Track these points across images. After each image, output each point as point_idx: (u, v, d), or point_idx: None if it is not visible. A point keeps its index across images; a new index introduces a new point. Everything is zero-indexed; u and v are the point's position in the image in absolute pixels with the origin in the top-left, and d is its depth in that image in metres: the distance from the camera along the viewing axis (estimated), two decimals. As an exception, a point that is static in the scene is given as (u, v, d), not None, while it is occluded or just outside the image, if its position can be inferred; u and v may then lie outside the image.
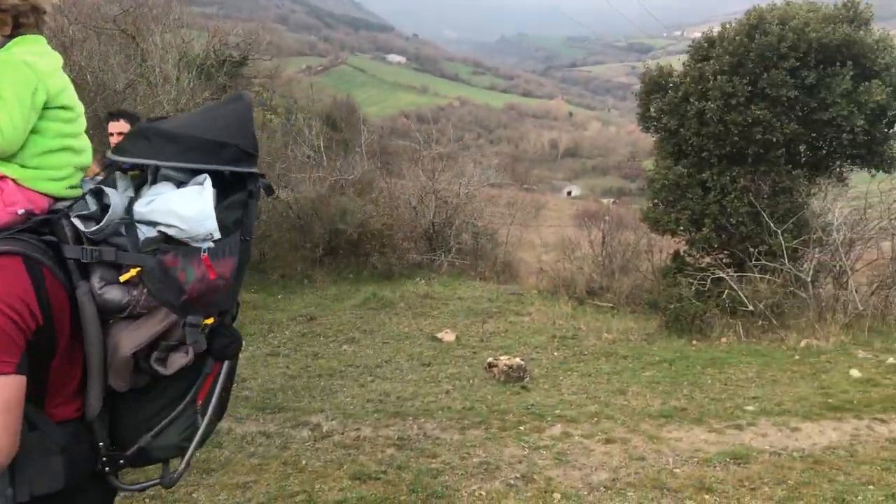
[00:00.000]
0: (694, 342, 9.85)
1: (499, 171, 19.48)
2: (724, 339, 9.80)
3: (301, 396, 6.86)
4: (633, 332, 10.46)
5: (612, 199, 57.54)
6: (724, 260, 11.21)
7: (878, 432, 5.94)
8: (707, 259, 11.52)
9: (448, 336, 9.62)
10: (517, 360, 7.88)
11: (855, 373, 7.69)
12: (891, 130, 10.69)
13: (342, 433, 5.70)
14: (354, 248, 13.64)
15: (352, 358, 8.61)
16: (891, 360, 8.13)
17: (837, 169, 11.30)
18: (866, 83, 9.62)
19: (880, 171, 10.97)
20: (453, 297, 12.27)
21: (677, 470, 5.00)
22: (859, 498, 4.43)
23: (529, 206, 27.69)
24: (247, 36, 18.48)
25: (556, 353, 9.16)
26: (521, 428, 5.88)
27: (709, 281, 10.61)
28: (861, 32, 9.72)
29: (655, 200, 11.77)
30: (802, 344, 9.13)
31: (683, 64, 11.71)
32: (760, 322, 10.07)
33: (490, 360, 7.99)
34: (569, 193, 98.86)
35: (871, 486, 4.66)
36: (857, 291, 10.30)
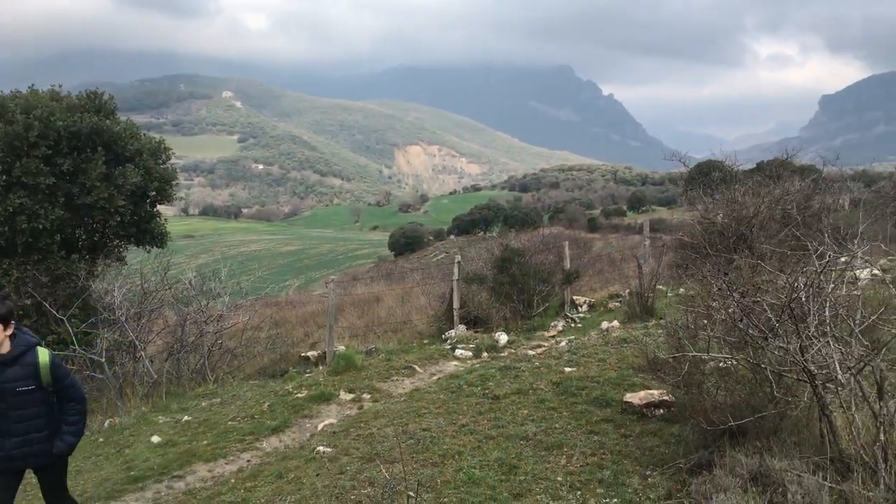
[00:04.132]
0: None
1: None
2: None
3: None
4: None
5: None
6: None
7: (177, 489, 6.37)
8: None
9: None
10: None
11: (156, 438, 8.07)
12: (154, 209, 11.72)
13: None
14: None
15: None
16: (186, 417, 8.83)
17: (115, 249, 11.75)
18: (121, 167, 10.30)
19: (154, 247, 11.88)
20: None
21: None
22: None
23: None
24: None
25: None
26: None
27: None
28: (108, 122, 10.37)
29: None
30: (106, 424, 9.14)
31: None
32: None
33: None
34: None
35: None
36: (152, 361, 10.86)
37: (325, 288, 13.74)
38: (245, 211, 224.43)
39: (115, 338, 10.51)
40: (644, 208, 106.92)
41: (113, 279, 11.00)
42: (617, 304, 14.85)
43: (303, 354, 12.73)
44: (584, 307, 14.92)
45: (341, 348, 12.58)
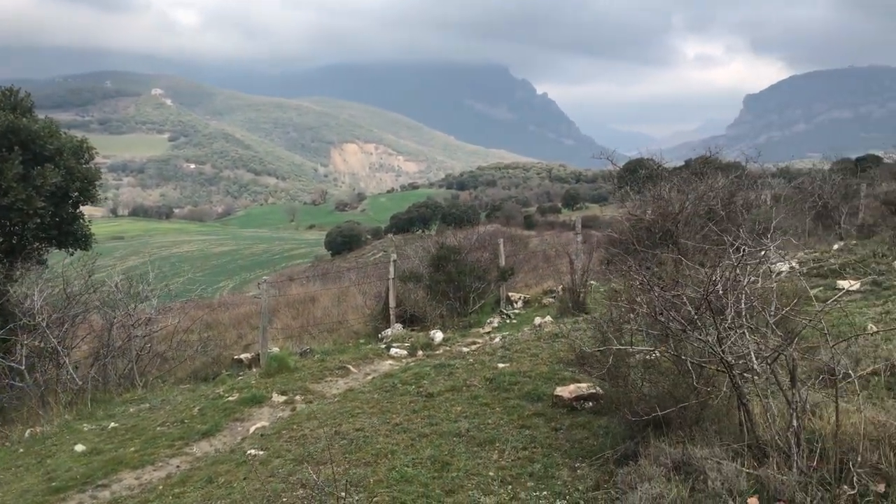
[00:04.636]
0: None
1: None
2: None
3: None
4: None
5: None
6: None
7: (101, 498, 6.18)
8: None
9: None
10: None
11: (80, 447, 7.80)
12: (77, 210, 11.31)
13: None
14: None
15: None
16: (112, 424, 8.57)
17: (35, 252, 11.30)
18: (40, 167, 9.92)
19: (77, 249, 11.46)
20: None
21: None
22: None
23: None
24: None
25: None
26: None
27: None
28: (25, 120, 9.96)
29: None
30: (27, 434, 8.79)
31: None
32: (-22, 426, 9.27)
33: None
34: None
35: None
36: (76, 368, 10.49)
37: (259, 289, 13.52)
38: (177, 211, 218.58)
39: (35, 344, 10.11)
40: (578, 205, 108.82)
41: (33, 283, 10.57)
42: (551, 299, 15.07)
43: (235, 357, 12.50)
44: (520, 303, 15.10)
45: (275, 350, 12.40)
